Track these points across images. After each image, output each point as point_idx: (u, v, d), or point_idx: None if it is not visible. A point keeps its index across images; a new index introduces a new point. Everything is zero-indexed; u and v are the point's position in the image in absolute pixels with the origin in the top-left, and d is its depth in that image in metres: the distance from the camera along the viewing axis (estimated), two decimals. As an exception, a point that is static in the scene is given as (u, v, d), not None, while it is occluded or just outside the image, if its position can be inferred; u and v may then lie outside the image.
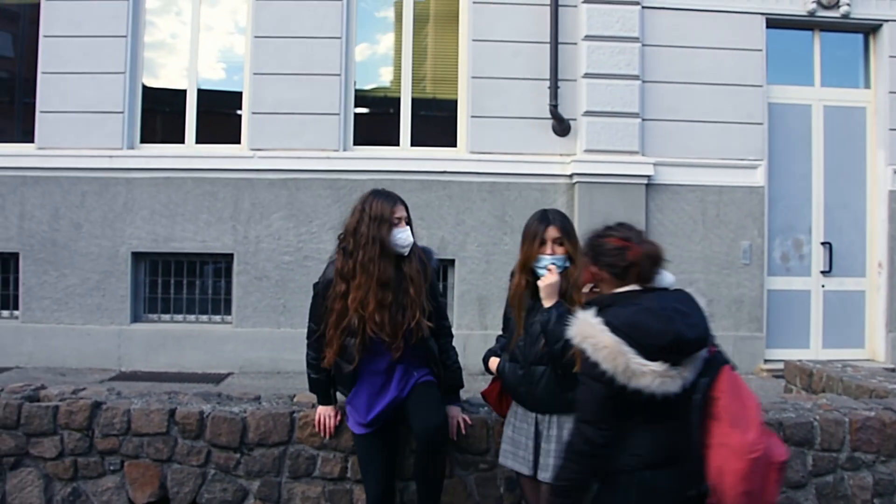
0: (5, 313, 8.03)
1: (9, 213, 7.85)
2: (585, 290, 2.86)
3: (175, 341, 7.80)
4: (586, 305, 2.72)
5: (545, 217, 3.35)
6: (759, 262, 8.01)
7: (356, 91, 8.18)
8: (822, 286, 8.27)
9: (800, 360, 6.35)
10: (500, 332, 3.68)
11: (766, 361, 7.83)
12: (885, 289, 8.17)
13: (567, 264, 3.27)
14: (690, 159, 7.95)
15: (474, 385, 6.43)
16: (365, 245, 3.49)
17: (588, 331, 2.58)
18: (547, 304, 3.21)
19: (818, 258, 8.27)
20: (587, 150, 7.79)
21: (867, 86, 8.46)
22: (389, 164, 7.89)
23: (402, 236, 3.55)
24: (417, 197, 7.77)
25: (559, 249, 3.27)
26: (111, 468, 4.00)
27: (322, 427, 3.89)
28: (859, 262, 8.36)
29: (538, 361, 3.27)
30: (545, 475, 3.23)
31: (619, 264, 2.69)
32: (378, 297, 3.48)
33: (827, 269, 8.23)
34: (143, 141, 8.08)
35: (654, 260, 2.71)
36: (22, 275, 7.87)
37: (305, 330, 3.76)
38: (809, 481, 4.03)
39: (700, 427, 2.63)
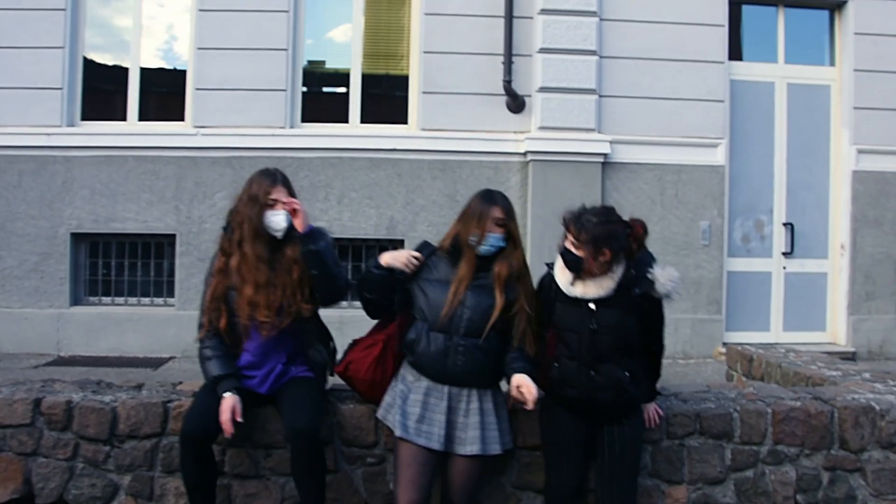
0: (-61, 297, 7.74)
1: (-58, 194, 7.56)
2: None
3: (116, 325, 7.53)
4: (638, 267, 3.36)
5: (491, 197, 3.40)
6: (718, 243, 7.80)
7: (304, 67, 7.91)
8: (784, 268, 8.09)
9: (741, 345, 6.20)
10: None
11: (725, 345, 7.53)
12: (847, 271, 8.00)
13: (503, 244, 3.34)
14: (649, 137, 7.72)
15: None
16: (241, 224, 3.42)
17: (670, 275, 3.33)
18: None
19: (780, 239, 8.08)
20: (542, 128, 7.55)
21: (832, 63, 8.26)
22: (338, 141, 7.66)
23: (276, 220, 3.42)
24: (366, 175, 7.56)
25: (498, 230, 3.32)
26: (-30, 463, 3.70)
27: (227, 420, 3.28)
28: (822, 243, 8.18)
29: (473, 334, 3.25)
30: (466, 448, 3.25)
31: (627, 243, 3.32)
32: (252, 276, 3.38)
33: (788, 250, 8.05)
34: (83, 118, 7.79)
35: (646, 229, 3.42)
36: (-44, 257, 7.58)
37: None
38: (728, 476, 3.79)
39: None
